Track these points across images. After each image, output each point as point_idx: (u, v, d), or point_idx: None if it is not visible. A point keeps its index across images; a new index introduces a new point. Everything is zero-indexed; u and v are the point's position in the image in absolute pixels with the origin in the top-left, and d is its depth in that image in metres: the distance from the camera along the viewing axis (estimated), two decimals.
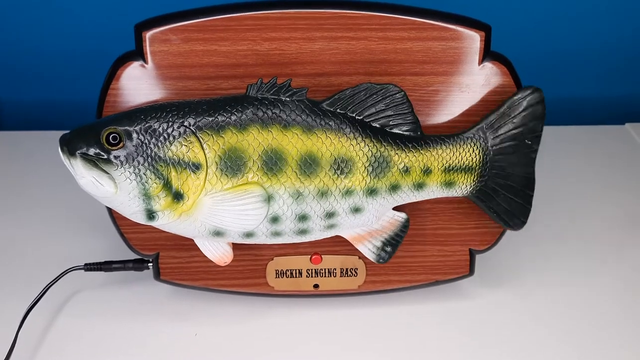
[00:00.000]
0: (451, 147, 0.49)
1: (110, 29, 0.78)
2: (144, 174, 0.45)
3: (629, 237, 0.66)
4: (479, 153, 0.49)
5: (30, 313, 0.53)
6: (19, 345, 0.52)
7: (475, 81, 0.50)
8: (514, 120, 0.49)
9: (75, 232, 0.65)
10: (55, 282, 0.55)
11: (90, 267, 0.56)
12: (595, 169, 0.77)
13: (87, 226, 0.65)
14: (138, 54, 0.49)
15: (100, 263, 0.56)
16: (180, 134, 0.45)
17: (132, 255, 0.55)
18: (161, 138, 0.45)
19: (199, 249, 0.53)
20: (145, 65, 0.49)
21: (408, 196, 0.50)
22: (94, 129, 0.45)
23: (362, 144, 0.47)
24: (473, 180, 0.50)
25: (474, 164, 0.50)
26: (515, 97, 0.49)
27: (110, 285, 0.58)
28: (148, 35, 0.48)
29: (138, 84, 0.49)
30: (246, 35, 0.49)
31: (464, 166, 0.49)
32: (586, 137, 0.83)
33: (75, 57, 0.83)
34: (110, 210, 0.52)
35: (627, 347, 0.53)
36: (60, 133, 0.46)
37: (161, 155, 0.45)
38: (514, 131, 0.50)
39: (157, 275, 0.55)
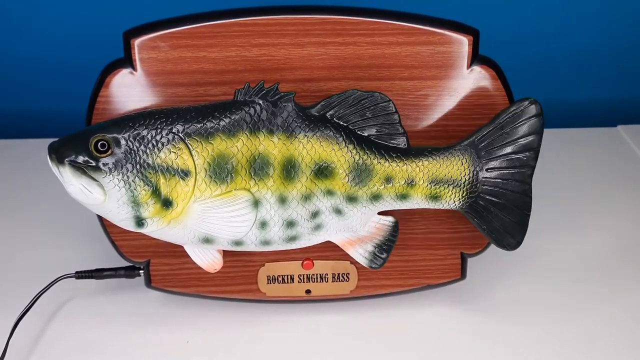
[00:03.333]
0: (438, 159, 0.48)
1: (99, 36, 0.78)
2: (132, 181, 0.45)
3: (623, 239, 0.66)
4: (467, 168, 0.48)
5: (21, 322, 0.53)
6: (10, 354, 0.51)
7: (464, 85, 0.50)
8: (508, 135, 0.47)
9: (65, 240, 0.65)
10: (46, 291, 0.55)
11: (81, 274, 0.56)
12: (588, 171, 0.77)
13: (78, 234, 0.65)
14: (127, 61, 0.49)
15: (91, 271, 0.56)
16: (168, 140, 0.45)
17: (123, 263, 0.55)
18: (150, 145, 0.45)
19: (189, 255, 0.53)
20: (134, 72, 0.49)
21: (391, 205, 0.49)
22: (82, 137, 0.45)
23: (345, 150, 0.47)
24: (462, 196, 0.49)
25: (462, 179, 0.48)
26: (510, 110, 0.47)
27: (101, 292, 0.58)
28: (136, 42, 0.48)
29: (127, 91, 0.49)
30: (235, 42, 0.49)
31: (451, 180, 0.48)
32: (578, 140, 0.83)
33: (64, 65, 0.83)
34: (100, 217, 0.52)
35: (621, 349, 0.53)
36: (50, 141, 0.46)
37: (150, 162, 0.45)
38: (508, 147, 0.48)
39: (149, 283, 0.55)
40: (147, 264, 0.54)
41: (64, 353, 0.53)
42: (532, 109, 0.47)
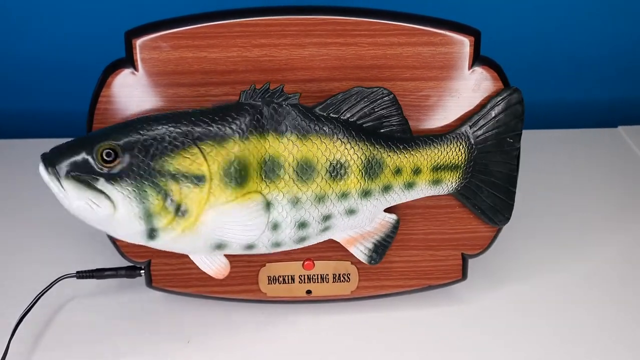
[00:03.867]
0: (439, 146, 0.50)
1: (100, 36, 0.78)
2: (143, 190, 0.43)
3: (622, 239, 0.66)
4: (464, 151, 0.51)
5: (22, 322, 0.53)
6: (11, 354, 0.51)
7: (465, 86, 0.51)
8: (496, 120, 0.51)
9: (66, 240, 0.65)
10: (47, 290, 0.55)
11: (82, 274, 0.56)
12: (588, 171, 0.77)
13: (79, 234, 0.65)
14: (128, 61, 0.49)
15: (92, 270, 0.56)
16: (180, 146, 0.43)
17: (124, 263, 0.55)
18: (161, 151, 0.43)
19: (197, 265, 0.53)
20: (136, 72, 0.49)
21: (399, 196, 0.50)
22: (84, 145, 0.42)
23: (356, 147, 0.47)
24: (458, 178, 0.51)
25: (460, 162, 0.51)
26: (497, 98, 0.50)
27: (102, 292, 0.58)
28: (138, 42, 0.48)
29: (128, 92, 0.49)
30: (236, 42, 0.49)
31: (451, 164, 0.50)
32: (579, 140, 0.83)
33: (65, 65, 0.83)
34: None
35: (621, 349, 0.53)
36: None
37: (161, 169, 0.43)
38: (495, 130, 0.51)
39: (149, 283, 0.55)
40: (148, 263, 0.54)
41: (65, 353, 0.53)
42: (515, 97, 0.50)
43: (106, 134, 0.43)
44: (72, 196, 0.42)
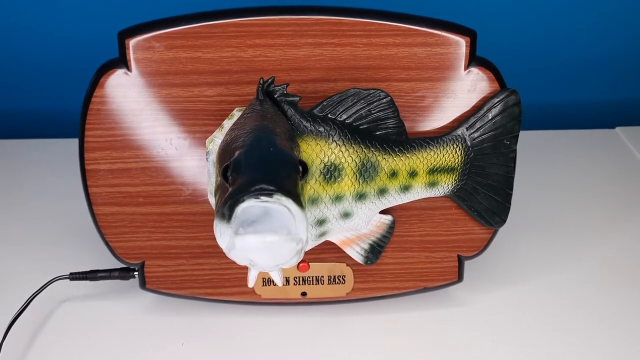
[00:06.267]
0: (435, 149, 0.50)
1: (93, 36, 0.78)
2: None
3: (620, 240, 0.65)
4: (460, 153, 0.50)
5: (15, 323, 0.53)
6: (4, 356, 0.51)
7: (461, 87, 0.50)
8: (493, 122, 0.50)
9: (60, 242, 0.64)
10: (40, 292, 0.55)
11: (75, 276, 0.56)
12: (586, 172, 0.77)
13: (72, 235, 0.65)
14: (121, 61, 0.49)
15: (85, 272, 0.56)
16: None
17: (118, 264, 0.54)
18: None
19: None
20: (129, 72, 0.49)
21: (395, 199, 0.50)
22: (280, 162, 0.37)
23: (351, 150, 0.47)
24: (455, 180, 0.51)
25: (456, 164, 0.50)
26: (494, 100, 0.50)
27: (95, 294, 0.58)
28: (131, 42, 0.48)
29: (122, 92, 0.49)
30: (230, 42, 0.48)
31: (447, 167, 0.50)
32: (577, 141, 0.83)
33: (62, 66, 0.82)
34: (95, 218, 0.52)
35: (622, 350, 0.53)
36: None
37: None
38: (492, 132, 0.50)
39: (143, 284, 0.55)
40: (142, 265, 0.54)
41: (58, 355, 0.52)
42: (513, 99, 0.50)
43: (280, 145, 0.39)
44: (303, 227, 0.36)
